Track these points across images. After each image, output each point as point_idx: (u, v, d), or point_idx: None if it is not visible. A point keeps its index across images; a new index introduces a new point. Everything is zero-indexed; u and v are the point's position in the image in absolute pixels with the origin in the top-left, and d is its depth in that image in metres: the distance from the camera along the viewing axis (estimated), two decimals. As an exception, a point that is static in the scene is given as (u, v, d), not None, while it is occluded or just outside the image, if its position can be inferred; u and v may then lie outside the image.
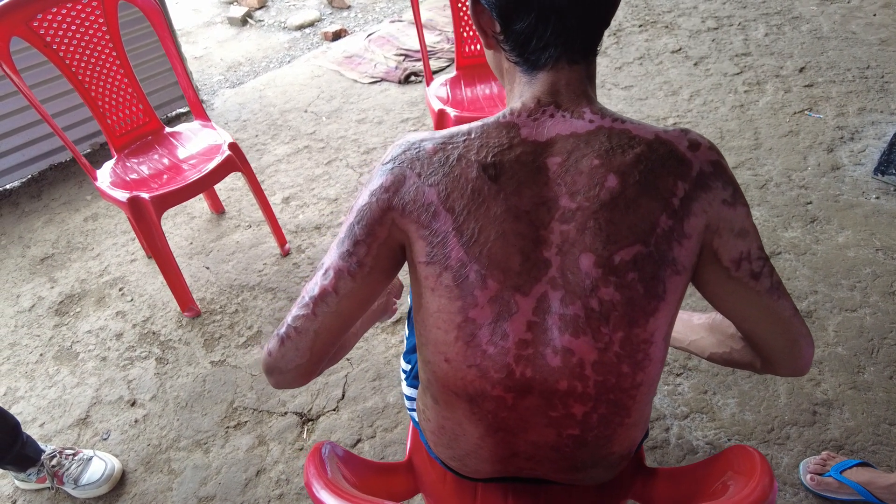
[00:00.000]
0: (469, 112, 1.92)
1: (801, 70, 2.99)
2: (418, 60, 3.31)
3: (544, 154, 0.66)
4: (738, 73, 3.01)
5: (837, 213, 2.17)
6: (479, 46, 2.20)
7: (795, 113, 2.70)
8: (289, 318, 0.72)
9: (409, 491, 0.99)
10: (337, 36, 3.71)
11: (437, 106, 1.95)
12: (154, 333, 1.94)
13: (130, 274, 2.17)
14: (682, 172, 0.65)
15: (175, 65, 1.91)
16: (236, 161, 1.83)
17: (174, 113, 3.00)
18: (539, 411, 0.71)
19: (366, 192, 0.70)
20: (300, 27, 3.91)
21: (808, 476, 1.43)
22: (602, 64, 3.19)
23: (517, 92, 0.71)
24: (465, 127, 0.69)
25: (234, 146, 1.84)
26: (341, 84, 3.22)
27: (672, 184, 0.64)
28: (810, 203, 2.23)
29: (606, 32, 0.75)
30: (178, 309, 1.98)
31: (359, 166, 2.62)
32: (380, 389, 1.72)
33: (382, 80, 3.18)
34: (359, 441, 1.60)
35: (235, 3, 4.25)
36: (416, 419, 0.99)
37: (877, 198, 2.24)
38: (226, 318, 1.97)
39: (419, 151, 0.68)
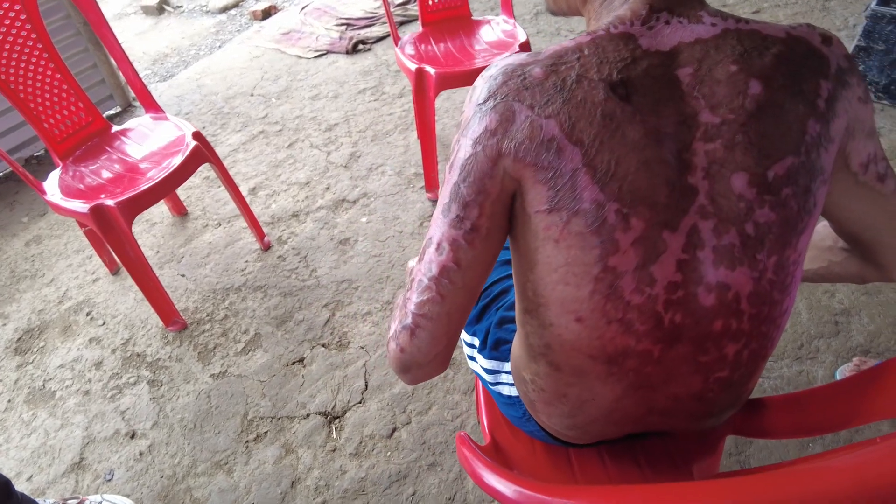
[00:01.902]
0: (449, 67, 1.80)
1: (748, -4, 3.02)
2: (362, 28, 3.13)
3: (673, 65, 0.57)
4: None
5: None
6: (441, 0, 2.06)
7: (752, 37, 2.72)
8: (411, 307, 0.62)
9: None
10: (267, 14, 3.46)
11: (414, 66, 1.81)
12: (139, 355, 1.75)
13: (96, 295, 1.95)
14: (823, 71, 0.58)
15: (116, 55, 1.68)
16: (205, 152, 1.64)
17: (106, 115, 2.72)
18: (688, 359, 0.63)
19: (466, 142, 0.59)
20: (224, 9, 3.62)
21: (850, 385, 1.45)
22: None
23: (616, 2, 0.61)
24: (569, 44, 0.59)
25: (198, 135, 1.65)
26: (284, 62, 3.00)
27: (816, 84, 0.57)
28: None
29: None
30: (161, 324, 1.79)
31: (324, 145, 2.45)
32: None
33: (328, 52, 2.98)
34: (395, 430, 1.49)
35: (147, -10, 3.89)
36: (500, 391, 0.90)
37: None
38: (216, 326, 1.80)
39: (525, 79, 0.57)
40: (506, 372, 0.87)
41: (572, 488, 0.49)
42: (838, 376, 1.48)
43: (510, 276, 0.98)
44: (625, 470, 0.87)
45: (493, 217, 0.59)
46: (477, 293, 0.63)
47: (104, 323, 1.86)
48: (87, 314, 1.89)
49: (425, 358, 0.63)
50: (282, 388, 1.61)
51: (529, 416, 0.84)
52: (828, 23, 2.77)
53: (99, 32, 1.64)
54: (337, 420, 1.54)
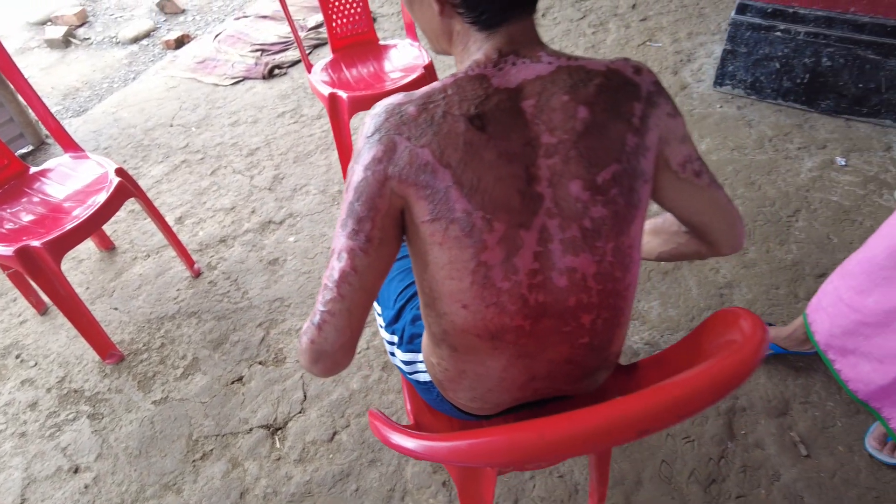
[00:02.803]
0: (360, 91, 1.93)
1: (634, 6, 3.30)
2: (276, 53, 3.20)
3: (518, 99, 0.72)
4: (582, 18, 3.26)
5: (695, 126, 2.47)
6: (349, 27, 2.19)
7: (639, 45, 3.00)
8: (319, 306, 0.74)
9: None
10: (180, 43, 3.47)
11: (328, 91, 1.93)
12: (76, 391, 1.77)
13: (24, 337, 1.94)
14: (635, 95, 0.74)
15: (25, 93, 1.70)
16: (130, 187, 1.69)
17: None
18: (554, 330, 0.78)
19: (358, 168, 0.72)
20: (135, 39, 3.60)
21: (731, 348, 1.67)
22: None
23: (473, 49, 0.76)
24: (437, 85, 0.73)
25: (121, 171, 1.70)
26: (202, 90, 3.04)
27: (630, 106, 0.73)
28: (671, 121, 2.51)
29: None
30: (98, 359, 1.82)
31: (246, 169, 2.52)
32: (341, 380, 1.72)
33: (245, 78, 3.04)
34: (335, 434, 1.60)
35: (51, 24, 3.80)
36: (417, 379, 1.03)
37: (721, 107, 2.58)
38: (154, 355, 1.84)
39: (402, 116, 0.71)
40: (420, 362, 1.00)
41: (457, 433, 0.62)
42: (723, 341, 1.70)
43: (417, 280, 1.12)
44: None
45: (384, 229, 0.72)
46: (375, 292, 0.76)
47: (36, 363, 1.86)
48: (17, 356, 1.89)
49: (332, 347, 0.75)
50: (223, 407, 1.68)
51: (442, 397, 0.97)
52: (703, 27, 3.09)
53: (4, 69, 1.66)
54: (279, 431, 1.62)
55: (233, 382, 1.74)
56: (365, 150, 0.71)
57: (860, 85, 2.31)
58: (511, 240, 0.71)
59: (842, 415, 1.54)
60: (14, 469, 1.62)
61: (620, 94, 0.73)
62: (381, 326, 1.14)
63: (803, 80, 2.41)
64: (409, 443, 0.64)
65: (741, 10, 2.38)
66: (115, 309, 1.99)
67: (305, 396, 1.69)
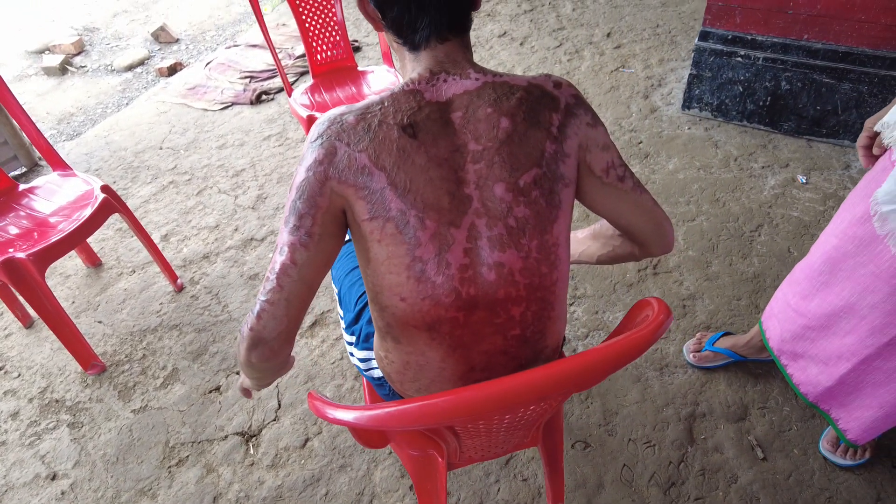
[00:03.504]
0: (338, 114, 2.02)
1: (608, 35, 3.44)
2: (265, 80, 3.32)
3: (447, 111, 0.80)
4: (558, 46, 3.39)
5: (664, 146, 2.57)
6: (329, 54, 2.30)
7: (612, 71, 3.12)
8: (260, 296, 0.79)
9: (381, 441, 1.08)
10: (173, 70, 3.59)
11: (305, 113, 2.02)
12: (57, 401, 1.82)
13: (8, 350, 2.00)
14: (554, 106, 0.82)
15: (18, 116, 1.79)
16: (114, 203, 1.77)
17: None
18: (486, 321, 0.85)
19: (301, 170, 0.80)
20: (130, 67, 3.72)
21: (691, 355, 1.73)
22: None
23: (409, 67, 0.84)
24: (375, 98, 0.81)
25: (107, 188, 1.78)
26: (191, 115, 3.14)
27: (549, 116, 0.82)
28: (641, 142, 2.61)
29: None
30: (80, 370, 1.87)
31: (231, 190, 2.60)
32: (315, 389, 1.77)
33: (233, 103, 3.15)
34: (307, 440, 1.64)
35: (48, 52, 3.93)
36: (372, 375, 1.09)
37: (689, 128, 2.68)
38: (135, 366, 1.89)
39: (343, 124, 0.79)
40: (373, 359, 1.07)
41: (387, 404, 0.69)
42: (684, 352, 1.76)
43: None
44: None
45: (324, 225, 0.79)
46: (314, 288, 0.82)
47: (19, 375, 1.91)
48: (0, 368, 1.94)
49: (270, 335, 0.80)
50: (201, 415, 1.73)
51: (393, 391, 1.04)
52: (674, 54, 3.23)
53: (3, 101, 1.75)
54: (254, 438, 1.67)
55: (210, 391, 1.79)
56: (308, 154, 0.79)
57: (818, 107, 2.42)
58: (442, 236, 0.79)
59: (797, 419, 1.60)
60: (-7, 477, 1.65)
61: (539, 105, 0.81)
62: (343, 329, 1.20)
63: (765, 102, 2.52)
64: (346, 415, 0.71)
65: (704, 36, 2.51)
66: (100, 322, 2.05)
67: (280, 405, 1.74)
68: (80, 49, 3.98)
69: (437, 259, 0.79)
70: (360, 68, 2.34)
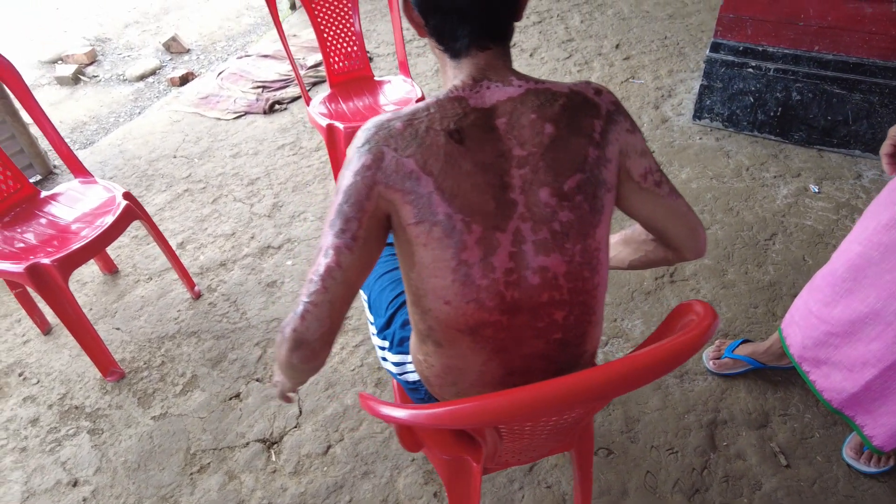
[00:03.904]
0: (356, 122, 2.04)
1: (617, 46, 3.48)
2: (277, 90, 3.35)
3: (492, 117, 0.82)
4: (568, 57, 3.43)
5: (676, 156, 2.59)
6: (345, 64, 2.33)
7: (622, 82, 3.15)
8: (303, 297, 0.80)
9: (415, 445, 1.09)
10: (185, 80, 3.62)
11: (325, 122, 2.04)
12: (77, 408, 1.82)
13: (27, 356, 2.00)
14: (595, 113, 0.84)
15: (43, 124, 1.81)
16: (136, 210, 1.78)
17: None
18: (528, 325, 0.86)
19: (348, 174, 0.81)
20: (142, 77, 3.75)
21: (710, 362, 1.74)
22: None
23: (451, 74, 0.86)
24: (421, 104, 0.83)
25: (128, 195, 1.79)
26: (204, 124, 3.16)
27: (591, 123, 0.83)
28: (653, 152, 2.63)
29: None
30: (99, 376, 1.87)
31: (247, 198, 2.61)
32: (335, 396, 1.77)
33: (246, 113, 3.18)
34: (329, 447, 1.64)
35: (61, 62, 3.96)
36: (406, 380, 1.09)
37: (700, 138, 2.71)
38: (154, 373, 1.89)
39: (390, 130, 0.80)
40: (409, 363, 1.08)
41: (443, 403, 0.70)
42: (704, 359, 1.77)
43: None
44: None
45: (369, 229, 0.80)
46: (355, 288, 0.82)
47: (38, 381, 1.91)
48: (20, 375, 1.94)
49: (312, 336, 0.80)
50: (221, 422, 1.73)
51: (429, 395, 1.04)
52: (683, 65, 3.26)
53: (27, 107, 1.77)
54: (275, 445, 1.67)
55: (231, 398, 1.79)
56: (355, 159, 0.80)
57: (829, 117, 2.44)
58: (488, 240, 0.80)
59: (819, 426, 1.60)
60: (14, 483, 1.65)
61: (581, 112, 0.83)
62: (374, 334, 1.21)
63: (776, 113, 2.54)
64: (400, 413, 0.71)
65: (715, 48, 2.54)
66: (118, 329, 2.05)
67: (301, 412, 1.74)
68: (93, 59, 4.01)
69: (483, 263, 0.80)
70: (376, 78, 2.36)
